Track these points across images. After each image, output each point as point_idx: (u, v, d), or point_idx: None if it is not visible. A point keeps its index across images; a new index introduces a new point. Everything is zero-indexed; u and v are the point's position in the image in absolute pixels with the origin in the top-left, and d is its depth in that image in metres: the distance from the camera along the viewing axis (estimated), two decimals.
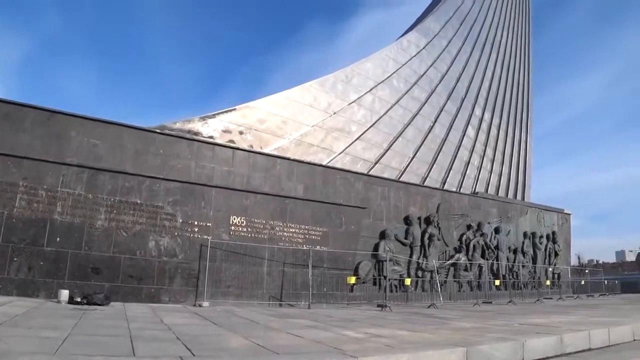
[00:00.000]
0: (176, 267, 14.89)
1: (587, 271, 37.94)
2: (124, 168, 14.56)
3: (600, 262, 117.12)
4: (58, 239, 13.05)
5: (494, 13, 54.79)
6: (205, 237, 15.46)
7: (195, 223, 15.56)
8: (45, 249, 12.81)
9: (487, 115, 46.16)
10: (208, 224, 15.80)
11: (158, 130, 16.09)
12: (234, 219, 16.51)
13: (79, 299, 11.66)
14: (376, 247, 20.30)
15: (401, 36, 40.32)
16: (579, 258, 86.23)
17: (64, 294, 11.88)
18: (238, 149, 17.71)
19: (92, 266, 13.42)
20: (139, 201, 14.64)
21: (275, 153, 20.50)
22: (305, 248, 17.63)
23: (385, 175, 27.01)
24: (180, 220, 15.26)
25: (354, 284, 18.85)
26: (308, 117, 25.31)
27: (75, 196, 13.59)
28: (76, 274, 13.11)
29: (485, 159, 43.57)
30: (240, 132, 21.73)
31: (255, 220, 17.00)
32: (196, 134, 19.35)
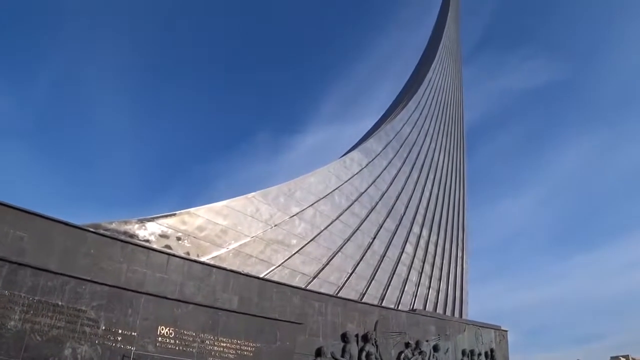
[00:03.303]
0: None
1: None
2: (49, 265, 13.77)
3: None
4: None
5: (432, 137, 58.90)
6: (128, 347, 14.55)
7: (120, 331, 14.69)
8: None
9: (425, 233, 47.75)
10: (133, 333, 14.96)
11: (92, 229, 15.62)
12: (162, 329, 15.76)
13: None
14: None
15: (344, 154, 42.40)
16: None
17: None
18: (174, 255, 17.40)
19: None
20: (60, 303, 13.67)
21: (212, 262, 20.21)
22: None
23: (323, 290, 26.89)
24: (103, 327, 14.34)
25: None
26: (249, 228, 25.40)
27: None
28: None
29: (423, 275, 44.30)
30: (178, 238, 21.45)
31: (185, 332, 16.27)
32: (132, 236, 18.97)
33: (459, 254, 54.80)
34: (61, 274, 13.96)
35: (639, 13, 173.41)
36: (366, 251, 36.39)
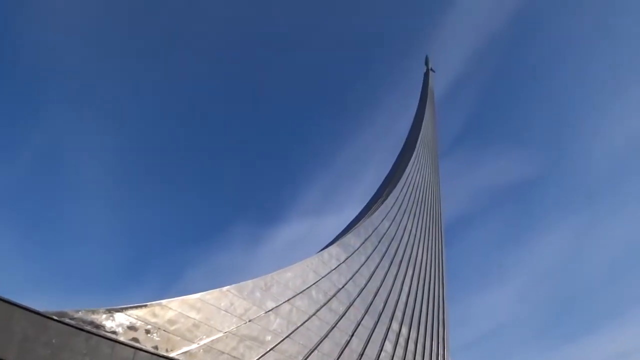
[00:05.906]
0: None
1: None
2: (6, 354, 13.18)
3: None
4: None
5: (410, 232, 59.75)
6: None
7: None
8: None
9: (404, 330, 46.92)
10: None
11: (55, 317, 15.11)
12: None
13: None
14: None
15: (323, 249, 42.56)
16: None
17: None
18: (141, 349, 16.99)
19: None
20: None
21: (182, 358, 19.71)
22: None
23: None
24: None
25: None
26: (222, 323, 24.95)
27: None
28: None
29: None
30: (147, 331, 20.90)
31: None
32: (98, 326, 18.46)
33: (440, 352, 53.57)
34: None
35: (600, 104, 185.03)
36: (344, 349, 35.50)
